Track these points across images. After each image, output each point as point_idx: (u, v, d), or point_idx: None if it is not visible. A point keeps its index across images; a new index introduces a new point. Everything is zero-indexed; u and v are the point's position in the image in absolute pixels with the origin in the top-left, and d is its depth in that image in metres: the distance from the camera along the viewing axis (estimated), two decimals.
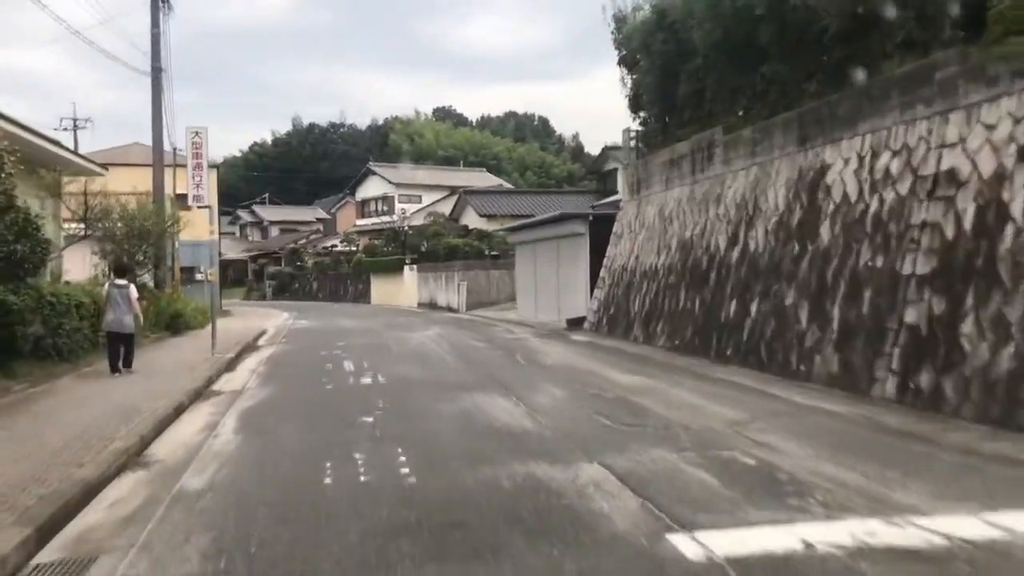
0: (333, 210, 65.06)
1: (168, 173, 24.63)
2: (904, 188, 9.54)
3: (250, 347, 17.56)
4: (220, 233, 40.87)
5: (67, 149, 17.19)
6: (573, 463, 6.37)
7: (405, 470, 6.35)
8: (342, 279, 49.44)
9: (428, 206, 48.84)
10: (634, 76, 19.72)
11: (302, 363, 14.97)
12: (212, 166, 33.66)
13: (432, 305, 36.59)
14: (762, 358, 11.74)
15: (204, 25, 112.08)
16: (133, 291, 12.35)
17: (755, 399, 9.53)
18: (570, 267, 22.79)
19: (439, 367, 13.51)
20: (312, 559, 4.46)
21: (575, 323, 20.79)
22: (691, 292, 14.84)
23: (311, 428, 8.41)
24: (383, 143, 75.07)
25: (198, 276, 27.67)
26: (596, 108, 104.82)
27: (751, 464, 6.32)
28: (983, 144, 8.41)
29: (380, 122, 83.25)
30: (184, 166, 27.10)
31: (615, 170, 38.07)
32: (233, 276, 59.82)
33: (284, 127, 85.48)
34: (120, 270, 13.55)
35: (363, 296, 45.42)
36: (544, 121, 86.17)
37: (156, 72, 22.31)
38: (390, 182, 53.66)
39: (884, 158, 10.06)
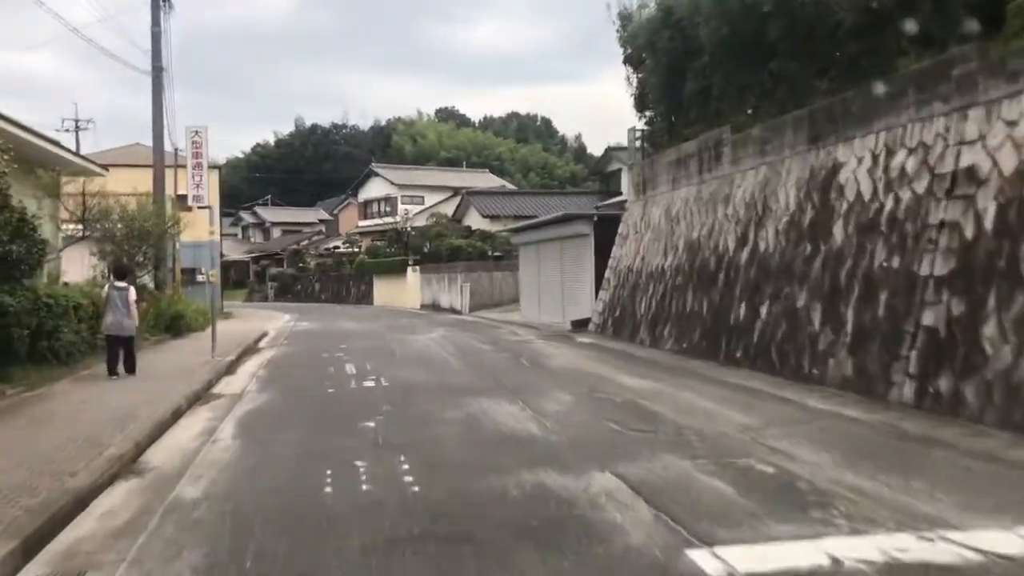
0: (335, 211, 64.88)
1: (169, 174, 24.47)
2: (921, 187, 9.29)
3: (251, 349, 17.35)
4: (222, 234, 40.79)
5: (65, 148, 16.98)
6: (584, 471, 6.13)
7: (409, 478, 6.12)
8: (344, 280, 49.23)
9: (431, 207, 48.63)
10: (639, 75, 19.52)
11: (303, 366, 14.74)
12: (214, 167, 33.58)
13: (435, 307, 36.37)
14: (773, 361, 11.50)
15: (206, 26, 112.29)
16: (132, 294, 12.13)
17: (768, 404, 9.29)
18: (574, 268, 22.56)
19: (443, 370, 13.28)
20: (310, 575, 4.23)
21: (580, 325, 20.56)
22: (699, 294, 14.59)
23: (311, 434, 8.18)
24: (386, 144, 74.97)
25: (199, 277, 27.50)
26: (599, 109, 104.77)
27: (768, 472, 6.09)
28: (1004, 141, 8.16)
29: (383, 123, 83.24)
30: (185, 167, 26.92)
31: (618, 171, 37.94)
32: (235, 277, 59.68)
33: (287, 128, 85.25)
34: (120, 272, 13.33)
35: (365, 298, 45.22)
36: (547, 122, 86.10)
37: (157, 71, 22.15)
38: (393, 183, 53.46)
39: (900, 156, 9.81)
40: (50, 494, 5.50)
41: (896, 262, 9.38)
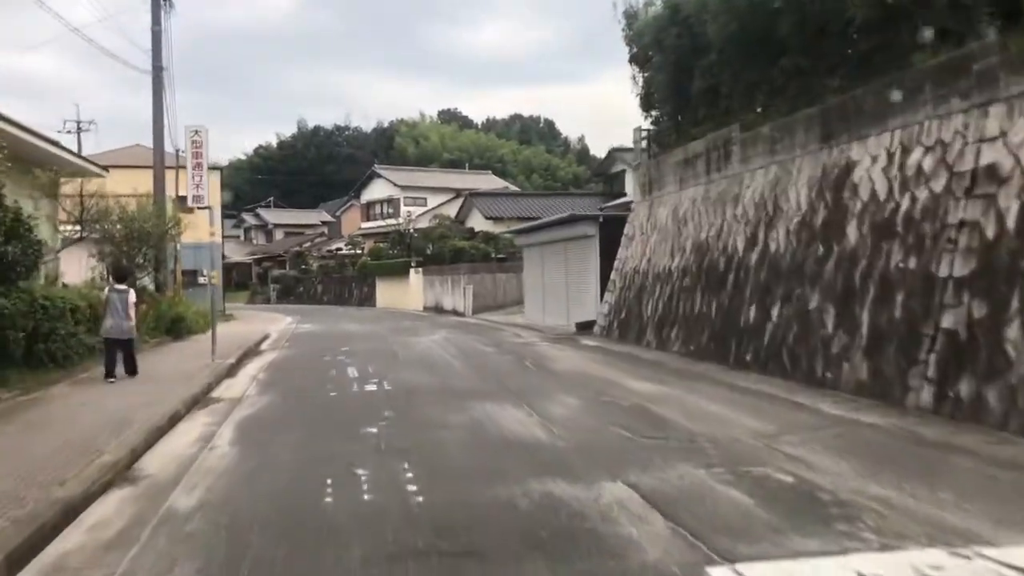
0: (338, 213, 64.69)
1: (170, 174, 24.26)
2: (939, 186, 9.03)
3: (252, 352, 17.11)
4: (224, 236, 40.50)
5: (63, 148, 16.72)
6: (594, 480, 5.87)
7: (412, 487, 5.88)
8: (347, 282, 49.00)
9: (433, 209, 48.39)
10: (645, 74, 19.25)
11: (304, 369, 14.51)
12: (215, 168, 33.36)
13: (438, 309, 36.13)
14: (784, 364, 11.24)
15: (208, 28, 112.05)
16: (132, 296, 11.92)
17: (781, 409, 9.02)
18: (579, 270, 22.31)
19: (446, 373, 13.04)
20: None
21: (585, 327, 20.30)
22: (707, 295, 14.33)
23: (312, 440, 7.93)
24: (388, 146, 74.81)
25: (200, 279, 27.29)
26: (601, 111, 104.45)
27: (788, 482, 5.83)
28: None
29: (385, 125, 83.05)
30: (186, 167, 26.72)
31: (622, 172, 37.69)
32: (237, 279, 59.45)
33: (289, 130, 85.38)
34: (120, 274, 13.11)
35: (368, 299, 44.99)
36: (550, 123, 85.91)
37: (157, 71, 21.96)
38: (395, 185, 53.26)
39: (916, 154, 9.55)
40: (37, 505, 5.26)
41: (913, 263, 9.12)
